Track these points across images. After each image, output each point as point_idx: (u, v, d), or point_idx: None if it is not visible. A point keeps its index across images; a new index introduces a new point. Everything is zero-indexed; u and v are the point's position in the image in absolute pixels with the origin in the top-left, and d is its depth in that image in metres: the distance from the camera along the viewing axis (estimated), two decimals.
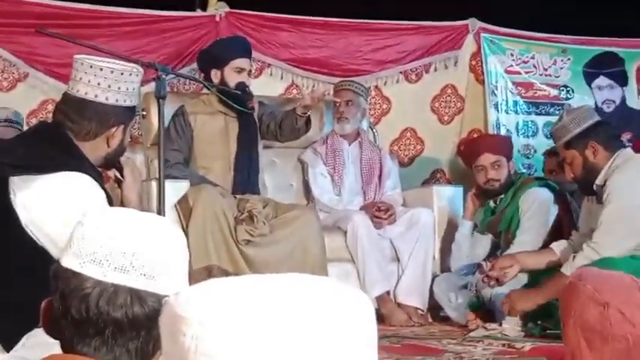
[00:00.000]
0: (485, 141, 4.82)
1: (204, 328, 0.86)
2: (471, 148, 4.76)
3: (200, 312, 0.87)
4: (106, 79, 2.49)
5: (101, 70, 2.49)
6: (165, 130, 4.27)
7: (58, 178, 2.34)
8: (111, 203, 2.46)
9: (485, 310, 4.16)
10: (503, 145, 4.52)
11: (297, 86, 5.62)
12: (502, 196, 4.36)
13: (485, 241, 4.53)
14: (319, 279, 0.95)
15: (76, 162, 2.42)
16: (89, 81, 2.48)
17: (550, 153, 5.12)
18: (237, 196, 4.28)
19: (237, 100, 4.35)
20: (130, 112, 2.58)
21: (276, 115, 4.63)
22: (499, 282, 3.91)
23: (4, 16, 4.96)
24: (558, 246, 3.94)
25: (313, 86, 5.55)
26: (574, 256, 3.59)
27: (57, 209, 2.26)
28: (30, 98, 5.06)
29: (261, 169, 4.61)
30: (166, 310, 0.92)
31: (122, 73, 2.51)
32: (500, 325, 3.92)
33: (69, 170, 2.36)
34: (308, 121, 4.50)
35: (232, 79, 4.42)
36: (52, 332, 1.33)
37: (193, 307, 0.88)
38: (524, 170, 5.61)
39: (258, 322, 0.85)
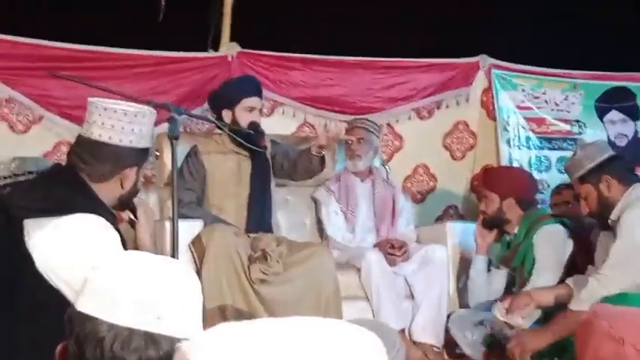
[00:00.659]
0: (486, 175, 4.87)
1: None
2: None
3: (211, 359, 0.87)
4: (120, 121, 2.51)
5: (115, 112, 2.51)
6: (178, 171, 4.30)
7: (72, 220, 2.35)
8: (124, 244, 2.47)
9: (502, 347, 4.12)
10: (499, 183, 4.47)
11: (309, 124, 5.64)
12: (516, 230, 4.35)
13: (502, 277, 4.50)
14: (332, 322, 0.95)
15: (89, 203, 2.43)
16: (103, 123, 2.50)
17: (556, 189, 5.14)
18: (251, 235, 4.28)
19: (249, 139, 4.37)
20: (143, 153, 2.60)
21: (290, 154, 4.64)
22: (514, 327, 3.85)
23: (19, 60, 5.02)
24: (574, 281, 3.91)
25: (326, 125, 5.58)
26: (580, 292, 3.57)
27: (71, 252, 2.27)
28: (44, 140, 5.10)
29: (275, 208, 4.62)
30: (178, 356, 0.92)
31: (136, 115, 2.53)
32: None
33: (83, 212, 2.37)
34: (322, 161, 4.52)
35: (244, 119, 4.44)
36: None
37: (205, 354, 0.88)
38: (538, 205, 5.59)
39: None
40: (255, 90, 4.57)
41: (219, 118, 4.51)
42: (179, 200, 4.28)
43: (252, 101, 4.47)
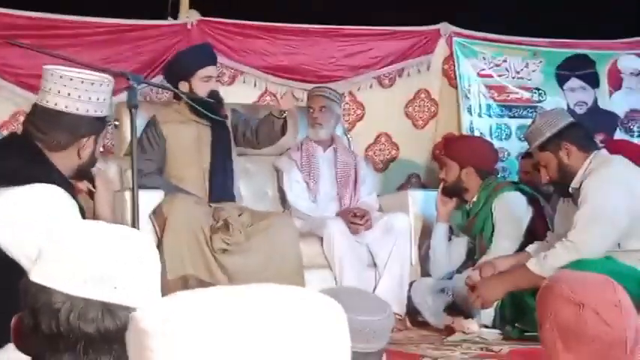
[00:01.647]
0: (446, 143, 4.91)
1: (169, 341, 0.85)
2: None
3: (164, 326, 0.85)
4: (77, 89, 2.47)
5: (71, 80, 2.47)
6: (138, 141, 4.25)
7: (29, 190, 2.31)
8: (83, 215, 2.44)
9: (464, 314, 4.16)
10: (458, 151, 4.50)
11: (271, 93, 5.61)
12: (475, 199, 4.38)
13: (462, 245, 4.54)
14: (289, 288, 0.94)
15: (46, 173, 2.39)
16: (59, 91, 2.46)
17: (525, 155, 5.15)
18: (213, 205, 4.26)
19: (209, 108, 4.32)
20: (101, 122, 2.56)
21: (250, 122, 4.62)
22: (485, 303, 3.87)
23: None
24: (534, 248, 3.95)
25: (285, 93, 5.55)
26: (545, 255, 3.60)
27: (28, 222, 2.23)
28: (1, 110, 5.01)
29: (236, 177, 4.59)
30: (132, 325, 0.91)
31: (92, 84, 2.49)
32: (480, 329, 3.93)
33: (39, 182, 2.33)
34: (284, 126, 4.50)
35: (201, 89, 4.38)
36: (23, 348, 1.31)
37: (157, 321, 0.86)
38: (499, 173, 5.63)
39: (224, 334, 0.84)
40: (210, 59, 4.53)
41: (178, 90, 4.45)
42: (139, 170, 4.24)
43: (207, 71, 4.42)
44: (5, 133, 4.78)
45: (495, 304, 3.90)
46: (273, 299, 0.89)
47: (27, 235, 2.19)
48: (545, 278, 3.37)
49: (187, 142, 4.41)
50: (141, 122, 4.34)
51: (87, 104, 2.48)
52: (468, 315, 4.09)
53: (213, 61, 4.51)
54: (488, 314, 4.08)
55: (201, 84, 4.39)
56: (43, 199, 2.30)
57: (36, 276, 1.27)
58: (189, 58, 4.57)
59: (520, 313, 3.79)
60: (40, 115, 2.49)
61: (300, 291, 0.94)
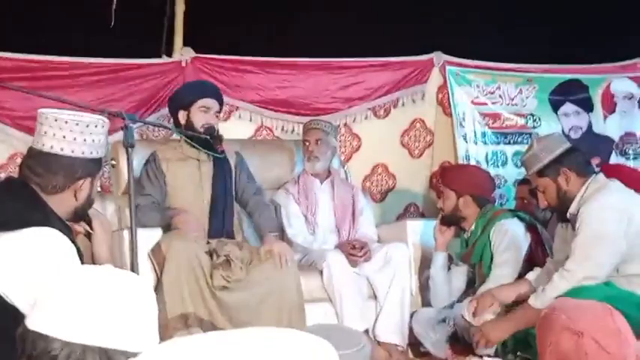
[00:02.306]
0: (443, 172, 4.93)
1: None
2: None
3: None
4: (72, 131, 2.47)
5: (66, 123, 2.47)
6: (137, 178, 4.28)
7: (26, 234, 2.31)
8: (81, 257, 2.43)
9: (465, 344, 4.14)
10: (455, 180, 4.51)
11: (267, 127, 5.63)
12: (472, 227, 4.38)
13: (462, 273, 4.53)
14: (285, 332, 0.95)
15: (43, 217, 2.39)
16: (54, 134, 2.46)
17: (521, 182, 5.16)
18: (211, 241, 4.24)
19: (206, 144, 4.34)
20: (97, 163, 2.56)
21: (249, 190, 4.57)
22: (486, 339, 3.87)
23: None
24: (534, 275, 3.94)
25: (283, 127, 5.59)
26: (543, 288, 3.59)
27: (25, 267, 2.23)
28: None
29: (235, 212, 4.58)
30: None
31: (87, 125, 2.50)
32: (481, 357, 3.91)
33: (36, 225, 2.33)
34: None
35: (198, 120, 4.39)
36: None
37: None
38: (496, 200, 5.64)
39: None
40: (211, 92, 4.54)
41: (176, 119, 4.46)
42: (137, 205, 4.25)
43: (207, 102, 4.42)
44: (3, 175, 4.80)
45: None
46: (269, 345, 0.90)
47: (25, 280, 2.19)
48: None
49: (187, 179, 4.40)
50: (139, 160, 4.36)
51: (82, 146, 2.48)
52: (468, 344, 4.08)
53: (214, 95, 4.50)
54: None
55: (199, 114, 4.40)
56: (40, 243, 2.30)
57: (33, 323, 1.27)
58: (191, 88, 4.62)
59: (522, 342, 3.77)
60: (36, 159, 2.49)
61: (294, 334, 0.94)
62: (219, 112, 4.52)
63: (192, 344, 0.89)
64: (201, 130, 4.34)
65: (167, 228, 4.25)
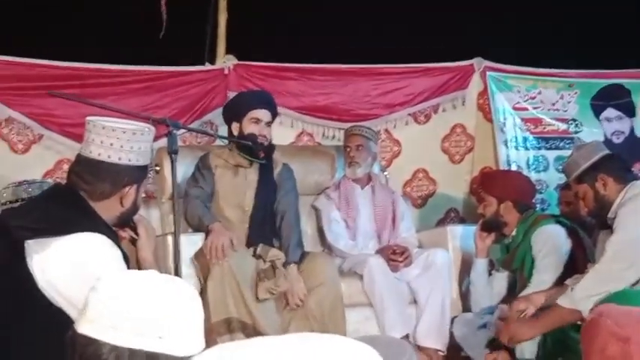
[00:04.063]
0: (484, 178, 4.92)
1: None
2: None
3: None
4: (119, 139, 2.52)
5: (113, 131, 2.52)
6: (190, 177, 4.35)
7: (74, 239, 2.36)
8: (127, 262, 2.49)
9: (505, 349, 4.13)
10: (496, 186, 4.50)
11: (307, 133, 5.67)
12: (514, 233, 4.37)
13: (503, 279, 4.52)
14: (328, 338, 0.97)
15: (90, 222, 2.44)
16: (102, 142, 2.52)
17: (565, 186, 5.14)
18: (260, 245, 4.27)
19: (247, 150, 4.37)
20: (142, 171, 2.61)
21: (284, 204, 4.50)
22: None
23: (17, 80, 5.05)
24: (573, 282, 3.93)
25: (323, 133, 5.62)
26: (572, 287, 3.58)
27: (73, 271, 2.29)
28: (45, 159, 5.13)
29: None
30: None
31: (134, 133, 2.55)
32: None
33: (84, 231, 2.38)
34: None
35: (249, 131, 4.38)
36: None
37: None
38: (538, 205, 5.61)
39: None
40: (263, 102, 4.49)
41: (230, 131, 4.49)
42: (186, 194, 4.31)
43: (258, 113, 4.40)
44: (50, 180, 4.88)
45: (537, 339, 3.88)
46: (317, 351, 0.93)
47: (74, 285, 2.25)
48: (576, 312, 3.38)
49: (232, 186, 4.43)
50: (182, 166, 4.43)
51: (129, 154, 2.53)
52: (509, 350, 4.07)
53: (267, 106, 4.47)
54: (530, 349, 4.05)
55: (249, 125, 4.39)
56: (88, 249, 2.35)
57: (82, 328, 1.32)
58: (243, 99, 4.60)
59: (564, 347, 3.76)
60: (83, 166, 2.55)
61: (341, 341, 0.97)
62: (270, 121, 4.47)
63: (239, 350, 0.93)
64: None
65: (196, 229, 4.30)
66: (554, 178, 5.85)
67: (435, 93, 5.86)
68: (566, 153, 5.15)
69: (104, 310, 1.31)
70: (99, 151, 2.52)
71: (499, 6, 5.76)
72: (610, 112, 6.09)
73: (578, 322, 3.37)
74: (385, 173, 5.48)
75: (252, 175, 4.46)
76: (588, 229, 4.41)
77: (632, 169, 4.53)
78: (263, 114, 4.43)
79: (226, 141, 4.50)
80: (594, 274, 3.52)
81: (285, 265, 4.20)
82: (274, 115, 4.54)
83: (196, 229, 4.28)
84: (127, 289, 1.34)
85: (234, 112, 4.50)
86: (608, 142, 5.76)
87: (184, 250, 3.54)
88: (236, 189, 4.44)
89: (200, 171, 4.46)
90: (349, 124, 5.28)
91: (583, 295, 3.40)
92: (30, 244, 2.35)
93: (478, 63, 5.92)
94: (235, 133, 4.43)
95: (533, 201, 4.73)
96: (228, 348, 0.93)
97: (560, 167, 5.38)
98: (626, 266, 3.48)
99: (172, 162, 3.26)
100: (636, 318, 2.98)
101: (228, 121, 4.54)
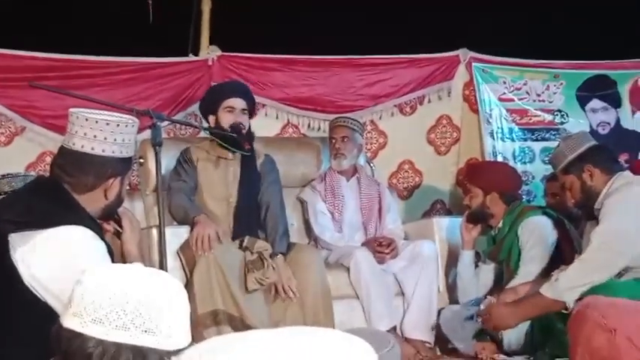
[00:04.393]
0: (469, 169, 4.93)
1: None
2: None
3: None
4: (102, 131, 2.50)
5: (96, 122, 2.49)
6: (172, 169, 4.32)
7: (58, 232, 2.34)
8: (112, 255, 2.46)
9: (493, 340, 4.14)
10: (482, 177, 4.50)
11: (293, 125, 5.65)
12: (500, 224, 4.37)
13: (490, 271, 4.52)
14: (322, 331, 0.95)
15: (74, 215, 2.41)
16: (85, 134, 2.49)
17: (550, 177, 5.14)
18: (246, 237, 4.25)
19: (233, 142, 4.35)
20: (126, 163, 2.59)
21: (268, 195, 4.47)
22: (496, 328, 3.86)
23: None
24: (559, 272, 3.92)
25: (309, 124, 5.60)
26: (557, 278, 3.57)
27: (58, 265, 2.26)
28: (28, 151, 5.08)
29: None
30: None
31: (118, 125, 2.52)
32: (511, 356, 3.91)
33: (68, 224, 2.36)
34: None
35: (225, 120, 4.39)
36: None
37: None
38: (524, 197, 5.61)
39: None
40: (236, 91, 4.52)
41: (208, 124, 4.48)
42: (169, 187, 4.28)
43: (233, 102, 4.42)
44: (33, 173, 4.84)
45: (521, 328, 3.88)
46: (309, 345, 0.91)
47: (58, 279, 2.22)
48: (559, 301, 3.38)
49: (215, 178, 4.42)
50: (167, 158, 4.39)
51: (112, 145, 2.50)
52: (496, 340, 4.08)
53: (240, 94, 4.49)
54: (517, 339, 4.06)
55: (225, 115, 4.40)
56: (73, 242, 2.33)
57: (68, 322, 1.29)
58: (216, 91, 4.64)
59: (550, 337, 3.77)
60: (66, 158, 2.52)
61: (333, 334, 0.95)
62: (247, 109, 4.48)
63: (229, 344, 0.91)
64: (228, 129, 4.35)
65: (182, 222, 4.28)
66: (540, 169, 5.86)
67: (421, 84, 5.84)
68: (552, 144, 5.16)
69: (89, 304, 1.28)
70: (82, 143, 2.49)
71: None
72: (595, 103, 6.10)
73: (564, 312, 3.36)
74: (371, 165, 5.47)
75: (234, 166, 4.44)
76: (574, 221, 4.41)
77: (618, 160, 4.53)
78: (236, 102, 4.43)
79: (209, 133, 4.47)
80: (579, 264, 3.52)
81: (272, 256, 4.18)
82: (251, 104, 4.54)
83: (181, 222, 4.25)
84: (112, 282, 1.32)
85: (208, 104, 4.51)
86: (593, 133, 5.76)
87: (169, 243, 3.51)
88: (219, 181, 4.41)
89: (182, 165, 4.44)
90: (334, 116, 5.26)
91: (567, 286, 3.40)
92: (13, 238, 2.33)
93: (464, 54, 5.91)
94: (213, 125, 4.41)
95: (520, 192, 4.73)
96: (218, 342, 0.91)
97: (546, 159, 5.39)
98: (612, 256, 3.48)
99: (156, 154, 3.23)
100: (622, 309, 2.99)
101: (204, 115, 4.55)
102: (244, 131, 4.39)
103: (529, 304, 3.59)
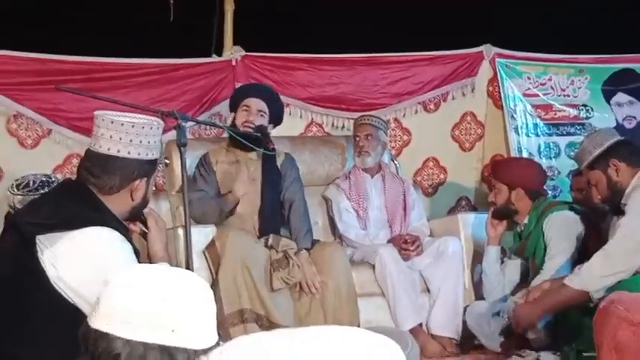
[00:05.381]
0: (494, 166, 4.92)
1: None
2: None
3: None
4: (127, 133, 2.52)
5: (122, 125, 2.51)
6: (190, 178, 4.33)
7: (84, 234, 2.36)
8: (138, 256, 2.48)
9: (519, 337, 4.13)
10: (507, 173, 4.49)
11: (317, 124, 5.66)
12: (526, 220, 4.35)
13: (516, 267, 4.50)
14: (348, 331, 0.96)
15: (101, 217, 2.44)
16: (111, 136, 2.51)
17: (577, 173, 5.10)
18: (271, 236, 4.27)
19: (255, 142, 4.34)
20: (152, 164, 2.61)
21: (292, 193, 4.53)
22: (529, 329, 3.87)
23: (25, 75, 5.05)
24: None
25: (333, 123, 5.61)
26: (580, 267, 3.56)
27: (85, 266, 2.29)
28: (55, 154, 5.13)
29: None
30: None
31: (143, 127, 2.54)
32: (537, 352, 3.90)
33: (94, 226, 2.38)
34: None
35: (239, 118, 4.44)
36: None
37: None
38: (549, 192, 5.58)
39: None
40: (254, 91, 4.58)
41: (234, 125, 4.50)
42: (189, 201, 4.30)
43: (247, 101, 4.46)
44: (60, 176, 4.88)
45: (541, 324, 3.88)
46: (336, 343, 0.91)
47: (86, 280, 2.25)
48: (583, 291, 3.37)
49: (237, 178, 4.43)
50: (192, 159, 4.42)
51: (138, 148, 2.52)
52: (522, 337, 4.06)
53: (257, 94, 4.52)
54: (545, 335, 4.04)
55: (240, 113, 4.46)
56: (100, 243, 2.35)
57: (95, 322, 1.31)
58: (237, 91, 4.73)
59: (577, 333, 3.75)
60: (93, 160, 2.54)
61: (357, 333, 0.96)
62: (268, 112, 4.49)
63: (256, 343, 0.92)
64: (242, 128, 4.36)
65: (220, 221, 4.29)
66: (565, 164, 5.82)
67: (445, 81, 5.82)
68: (578, 139, 5.13)
69: (117, 305, 1.30)
70: (108, 145, 2.51)
71: None
72: (621, 97, 6.05)
73: (590, 305, 3.36)
74: (395, 162, 5.46)
75: (255, 166, 4.47)
76: (601, 216, 4.38)
77: None
78: (254, 102, 4.46)
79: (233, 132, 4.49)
80: (603, 254, 3.52)
81: (297, 253, 4.20)
82: (274, 107, 4.54)
83: (213, 219, 4.27)
84: (139, 283, 1.33)
85: (231, 103, 4.60)
86: (619, 127, 5.72)
87: (195, 243, 3.53)
88: (242, 182, 4.42)
89: (200, 173, 4.46)
90: (358, 114, 5.26)
91: (591, 275, 3.39)
92: (41, 240, 2.35)
93: (487, 50, 5.88)
94: (230, 124, 4.46)
95: (545, 188, 4.71)
96: (247, 341, 0.92)
97: (572, 154, 5.35)
98: (635, 246, 3.47)
99: (181, 155, 3.25)
100: None
101: (231, 113, 4.60)
102: (251, 128, 4.37)
103: (552, 298, 3.60)
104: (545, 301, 3.66)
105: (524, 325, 3.79)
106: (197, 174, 4.48)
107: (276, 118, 4.59)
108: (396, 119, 5.78)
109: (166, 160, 4.45)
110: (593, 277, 3.41)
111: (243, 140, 4.18)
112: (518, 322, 3.74)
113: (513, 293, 4.38)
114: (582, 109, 6.00)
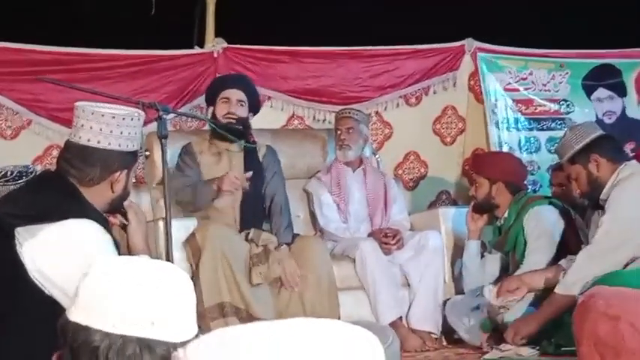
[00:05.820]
0: (475, 160, 4.92)
1: None
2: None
3: None
4: (108, 125, 2.50)
5: (102, 116, 2.50)
6: (175, 166, 4.32)
7: (64, 226, 2.35)
8: (118, 248, 2.47)
9: (499, 330, 4.14)
10: (487, 167, 4.50)
11: (298, 117, 5.65)
12: (506, 215, 4.37)
13: (495, 261, 4.52)
14: (327, 322, 0.96)
15: (80, 208, 2.42)
16: (91, 127, 2.50)
17: (556, 167, 5.13)
18: (251, 230, 4.26)
19: (237, 134, 4.33)
20: (132, 156, 2.60)
21: (272, 187, 4.52)
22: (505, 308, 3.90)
23: (5, 65, 5.01)
24: (566, 262, 3.93)
25: (314, 116, 5.60)
26: (564, 273, 3.59)
27: (64, 258, 2.27)
28: (35, 145, 5.09)
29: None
30: None
31: (124, 119, 2.53)
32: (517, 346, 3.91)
33: (74, 217, 2.37)
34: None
35: (220, 111, 4.41)
36: None
37: None
38: (529, 187, 5.60)
39: None
40: (233, 82, 4.55)
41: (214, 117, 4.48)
42: (179, 188, 4.29)
43: (225, 93, 4.44)
44: (39, 167, 4.85)
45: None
46: (315, 336, 0.91)
47: (64, 272, 2.23)
48: (569, 295, 3.40)
49: (219, 171, 4.42)
50: (172, 151, 4.39)
51: (118, 139, 2.51)
52: (502, 330, 4.08)
53: (235, 85, 4.51)
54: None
55: (220, 106, 4.43)
56: (79, 235, 2.34)
57: (73, 315, 1.30)
58: (215, 83, 4.68)
59: (556, 328, 3.77)
60: (72, 152, 2.53)
61: (337, 325, 0.95)
62: (247, 102, 4.48)
63: (236, 335, 0.91)
64: (223, 120, 4.34)
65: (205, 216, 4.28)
66: (545, 159, 5.84)
67: (426, 75, 5.82)
68: (558, 134, 5.15)
69: (95, 297, 1.29)
70: (88, 136, 2.50)
71: None
72: (601, 92, 6.07)
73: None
74: (376, 156, 5.47)
75: (237, 158, 4.46)
76: (580, 210, 4.41)
77: (624, 149, 4.52)
78: (233, 93, 4.44)
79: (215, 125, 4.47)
80: (586, 255, 3.54)
81: (277, 247, 4.19)
82: (252, 96, 4.54)
83: (194, 203, 4.27)
84: (119, 275, 1.31)
85: (208, 96, 4.57)
86: (599, 122, 5.73)
87: (175, 235, 3.52)
88: (223, 173, 4.41)
89: (184, 161, 4.45)
90: (340, 107, 5.26)
91: (575, 278, 3.41)
92: (20, 232, 2.33)
93: (469, 44, 5.88)
94: (210, 116, 4.43)
95: (525, 182, 4.73)
96: (225, 333, 0.92)
97: (552, 148, 5.37)
98: (617, 245, 3.49)
99: (162, 147, 3.25)
100: (626, 297, 2.99)
101: (208, 107, 4.55)
102: (234, 120, 4.35)
103: (547, 309, 3.64)
104: (541, 314, 3.70)
105: (524, 335, 3.82)
106: (181, 162, 4.47)
107: (255, 106, 4.58)
108: (377, 113, 5.78)
109: (147, 152, 4.43)
110: (577, 279, 3.43)
111: (226, 133, 4.17)
112: (516, 332, 3.78)
113: None
114: (563, 104, 6.02)
